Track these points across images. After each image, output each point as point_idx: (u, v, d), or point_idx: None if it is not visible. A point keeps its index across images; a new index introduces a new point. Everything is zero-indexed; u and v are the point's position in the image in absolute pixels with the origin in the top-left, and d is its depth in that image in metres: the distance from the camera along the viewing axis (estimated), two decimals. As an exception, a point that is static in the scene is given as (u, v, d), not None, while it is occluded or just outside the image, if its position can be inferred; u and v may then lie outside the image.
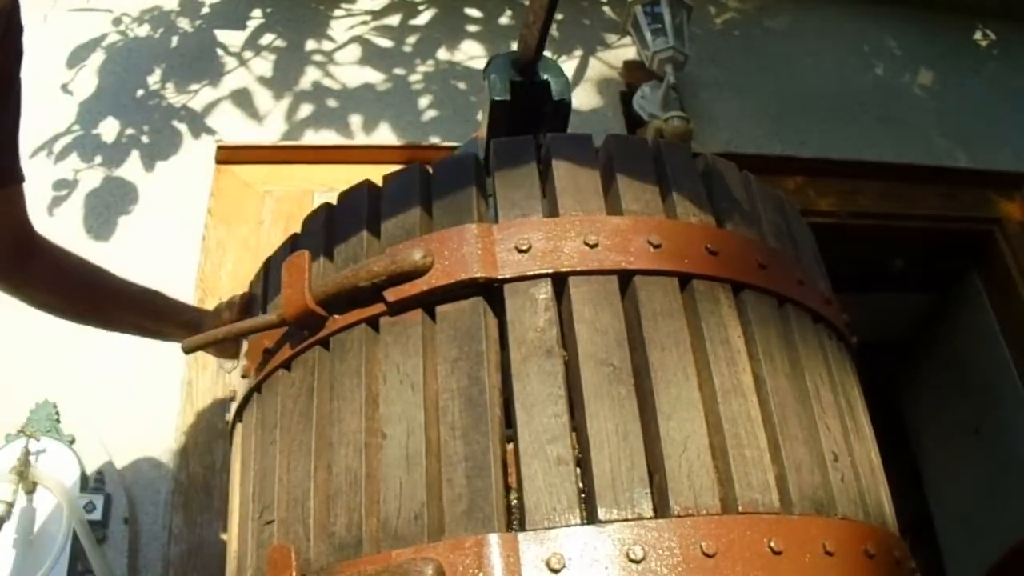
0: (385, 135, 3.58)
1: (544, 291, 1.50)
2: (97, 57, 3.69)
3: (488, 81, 2.08)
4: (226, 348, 2.06)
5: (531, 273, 1.50)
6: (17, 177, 2.00)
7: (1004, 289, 3.91)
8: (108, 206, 3.30)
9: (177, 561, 2.67)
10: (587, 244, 1.52)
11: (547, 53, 3.71)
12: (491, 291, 1.52)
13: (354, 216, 1.72)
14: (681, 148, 1.77)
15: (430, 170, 1.72)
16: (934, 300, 4.49)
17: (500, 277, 1.50)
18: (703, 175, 1.75)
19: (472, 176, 1.66)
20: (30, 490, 2.61)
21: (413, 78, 3.80)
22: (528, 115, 1.99)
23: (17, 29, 1.99)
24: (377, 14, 3.97)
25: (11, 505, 2.50)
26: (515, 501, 1.36)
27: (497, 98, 2.04)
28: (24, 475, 2.56)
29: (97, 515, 2.65)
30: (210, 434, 2.85)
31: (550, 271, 1.50)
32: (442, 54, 3.90)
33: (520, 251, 1.51)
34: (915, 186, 3.90)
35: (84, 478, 2.71)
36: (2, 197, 1.97)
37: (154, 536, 2.71)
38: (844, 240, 3.74)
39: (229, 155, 3.44)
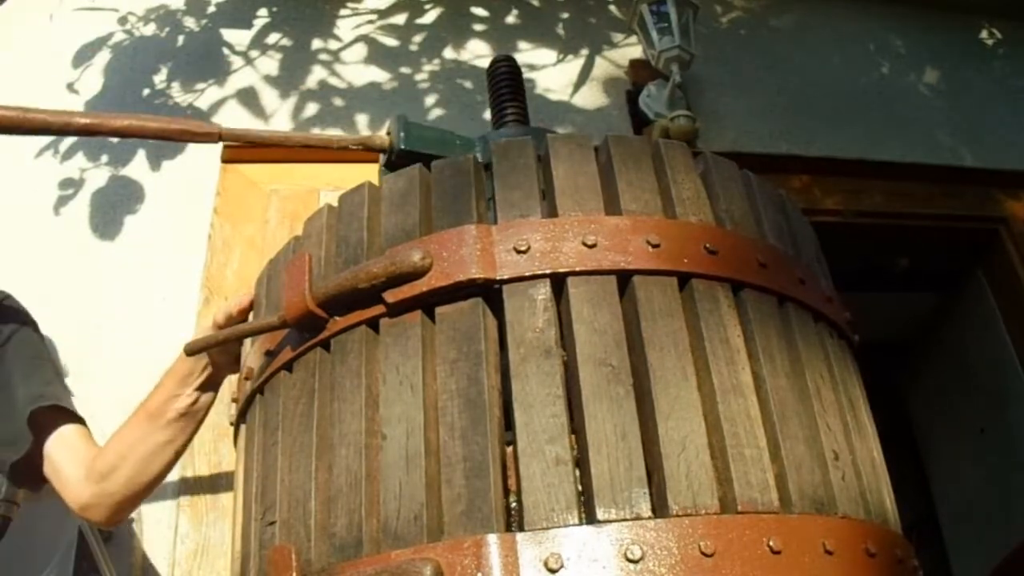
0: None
1: (543, 292, 1.50)
2: (103, 56, 3.70)
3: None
4: (229, 351, 2.07)
5: (530, 274, 1.50)
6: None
7: (1010, 288, 3.91)
8: (114, 205, 3.31)
9: (183, 560, 2.68)
10: (586, 244, 1.52)
11: (552, 52, 3.74)
12: (490, 292, 1.52)
13: (354, 218, 1.72)
14: (680, 147, 1.76)
15: (430, 171, 1.72)
16: (940, 299, 4.49)
17: (499, 278, 1.50)
18: (702, 174, 1.75)
19: (471, 177, 1.66)
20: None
21: (419, 77, 3.80)
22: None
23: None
24: (383, 13, 3.98)
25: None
26: (514, 504, 1.37)
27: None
28: (30, 474, 2.57)
29: (103, 514, 2.65)
30: (215, 433, 2.85)
31: (549, 272, 1.50)
32: (448, 53, 3.90)
33: (519, 252, 1.51)
34: (921, 185, 3.90)
35: (89, 477, 2.72)
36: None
37: (160, 536, 2.72)
38: (850, 239, 3.75)
39: (235, 154, 3.44)
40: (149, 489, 2.19)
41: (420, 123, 2.10)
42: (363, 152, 3.25)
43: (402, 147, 2.00)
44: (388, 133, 2.03)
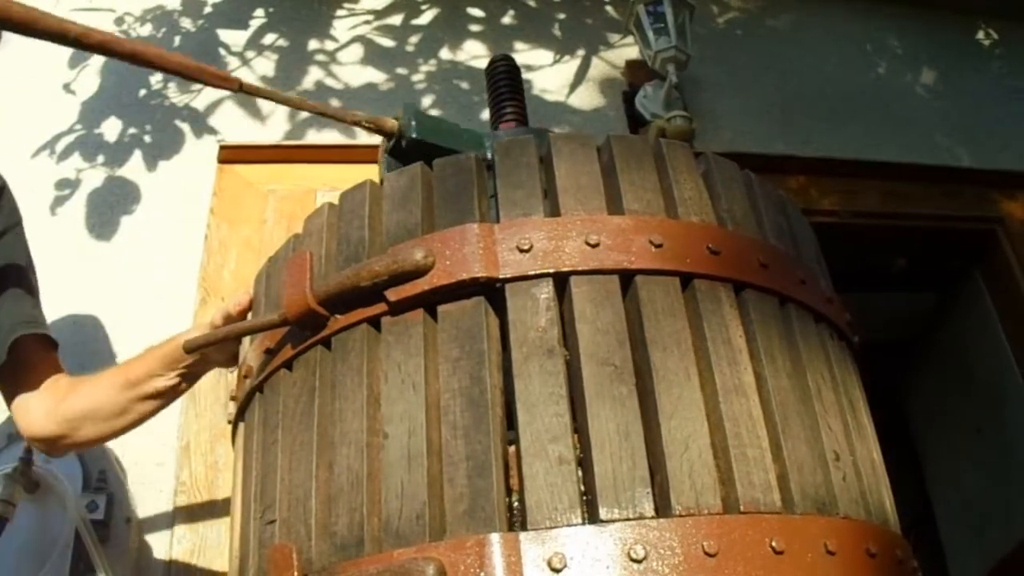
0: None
1: (546, 291, 1.50)
2: (99, 57, 3.69)
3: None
4: (226, 348, 2.06)
5: (532, 273, 1.50)
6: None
7: (1007, 288, 3.91)
8: (110, 206, 3.30)
9: (179, 561, 2.68)
10: (588, 244, 1.52)
11: (549, 53, 3.74)
12: (492, 291, 1.52)
13: (355, 216, 1.72)
14: (682, 147, 1.76)
15: (432, 169, 1.72)
16: (937, 299, 4.49)
17: (501, 277, 1.50)
18: (704, 175, 1.75)
19: (473, 175, 1.66)
20: (32, 490, 2.61)
21: (416, 78, 3.80)
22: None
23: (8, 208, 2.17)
24: (379, 14, 3.98)
25: (13, 505, 2.50)
26: (516, 503, 1.37)
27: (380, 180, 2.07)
28: (26, 474, 2.56)
29: (99, 515, 2.65)
30: (212, 433, 2.85)
31: (551, 271, 1.50)
32: (444, 54, 3.90)
33: (521, 251, 1.51)
34: (918, 185, 3.90)
35: (86, 477, 2.71)
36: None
37: (156, 536, 2.72)
38: (846, 239, 3.75)
39: (231, 154, 3.44)
40: (104, 442, 2.28)
41: (429, 115, 2.09)
42: (361, 152, 3.27)
43: (413, 135, 1.99)
44: (397, 119, 2.02)
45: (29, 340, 2.17)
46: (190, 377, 2.16)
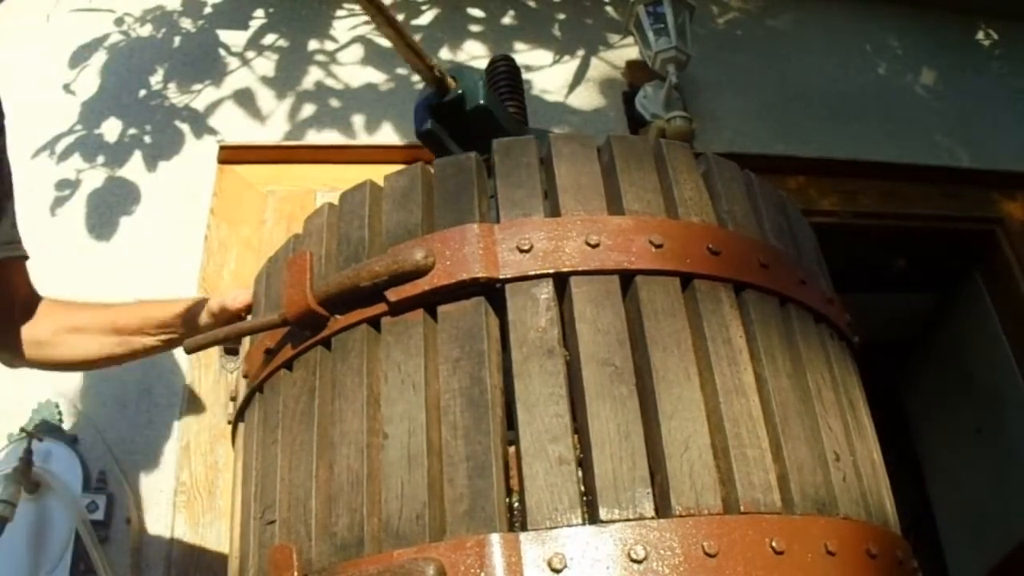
0: (387, 135, 3.59)
1: (546, 291, 1.50)
2: (99, 57, 3.70)
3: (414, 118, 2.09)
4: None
5: (533, 273, 1.50)
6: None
7: (1006, 289, 3.91)
8: (110, 206, 3.30)
9: (179, 561, 2.68)
10: (589, 244, 1.52)
11: (549, 53, 3.73)
12: (493, 291, 1.52)
13: (355, 216, 1.72)
14: (682, 148, 1.76)
15: (432, 170, 1.72)
16: (936, 300, 4.49)
17: (502, 277, 1.50)
18: (705, 175, 1.75)
19: (473, 176, 1.66)
20: (32, 490, 2.61)
21: (415, 78, 3.78)
22: (461, 131, 1.98)
23: None
24: (379, 14, 3.97)
25: (14, 505, 2.50)
26: (516, 503, 1.37)
27: (420, 129, 2.05)
28: (27, 475, 2.57)
29: (99, 515, 2.65)
30: (212, 433, 2.85)
31: (552, 271, 1.50)
32: (444, 54, 3.90)
33: (522, 251, 1.51)
34: (917, 186, 3.90)
35: (86, 478, 2.71)
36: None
37: (156, 536, 2.72)
38: (846, 240, 3.75)
39: (231, 155, 3.44)
40: (70, 370, 2.32)
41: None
42: (361, 152, 3.27)
43: (481, 102, 1.98)
44: (453, 78, 2.01)
45: (12, 263, 2.16)
46: (174, 343, 2.18)
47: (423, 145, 2.07)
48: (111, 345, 2.16)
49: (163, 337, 2.15)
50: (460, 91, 1.99)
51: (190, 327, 2.13)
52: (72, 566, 2.58)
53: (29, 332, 2.15)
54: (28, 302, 2.19)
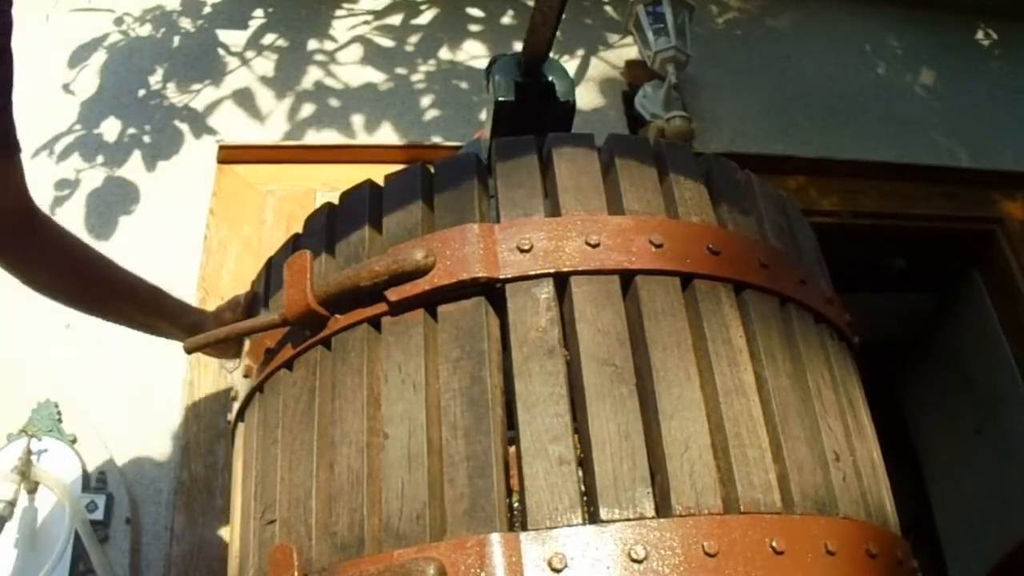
0: (387, 135, 3.58)
1: (546, 291, 1.50)
2: (99, 57, 3.70)
3: (492, 82, 2.09)
4: (227, 348, 2.06)
5: (533, 273, 1.50)
6: (10, 149, 2.04)
7: (1006, 289, 3.91)
8: (110, 206, 3.30)
9: (179, 561, 2.67)
10: (589, 244, 1.52)
11: (549, 53, 3.73)
12: (493, 291, 1.52)
13: (356, 216, 1.72)
14: (682, 148, 1.77)
15: (432, 170, 1.72)
16: (936, 300, 4.49)
17: (502, 277, 1.50)
18: (705, 175, 1.75)
19: (474, 176, 1.66)
20: (32, 490, 2.61)
21: (415, 78, 3.80)
22: (532, 116, 1.99)
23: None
24: (379, 14, 3.97)
25: (13, 505, 2.50)
26: (517, 503, 1.37)
27: (502, 98, 2.05)
28: (26, 475, 2.56)
29: (99, 515, 2.65)
30: (212, 433, 2.85)
31: (552, 271, 1.50)
32: (444, 54, 3.90)
33: (522, 251, 1.51)
34: (917, 186, 3.90)
35: (86, 478, 2.71)
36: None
37: (156, 536, 2.71)
38: (846, 240, 3.74)
39: (231, 155, 3.44)
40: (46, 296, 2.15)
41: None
42: (361, 152, 3.27)
43: (571, 100, 2.01)
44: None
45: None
46: (172, 336, 2.17)
47: (497, 110, 2.07)
48: (100, 300, 2.11)
49: (161, 328, 2.14)
50: (551, 80, 2.01)
51: (168, 327, 2.13)
52: (71, 566, 2.57)
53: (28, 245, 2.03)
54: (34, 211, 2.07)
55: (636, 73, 3.90)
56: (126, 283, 2.15)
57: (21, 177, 2.05)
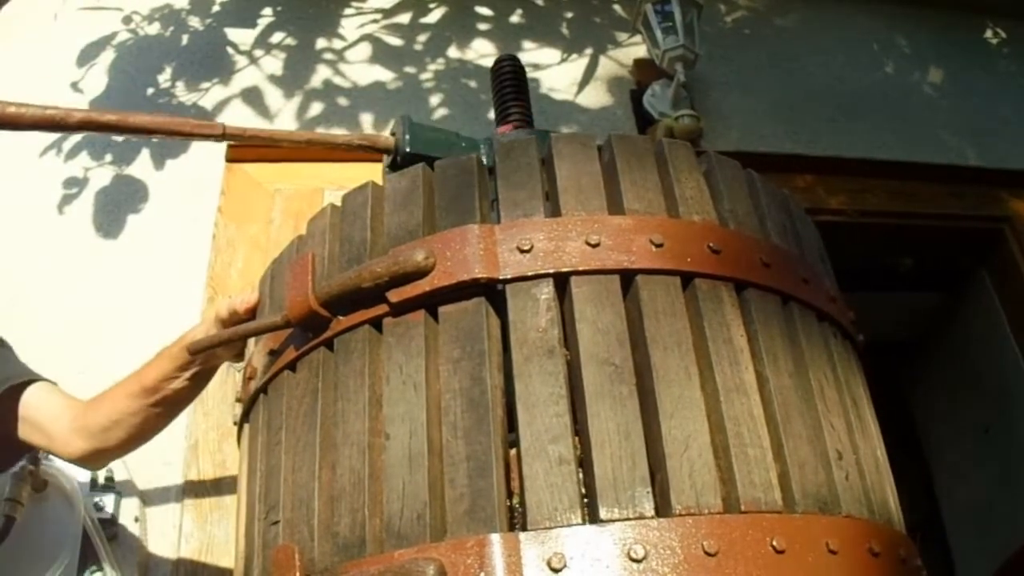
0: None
1: (546, 291, 1.50)
2: (107, 55, 3.70)
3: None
4: (233, 344, 2.06)
5: (533, 273, 1.51)
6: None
7: (1014, 287, 3.90)
8: (118, 204, 3.31)
9: (187, 560, 2.68)
10: (589, 244, 1.52)
11: (557, 52, 3.74)
12: (493, 291, 1.52)
13: (357, 217, 1.72)
14: (684, 146, 1.77)
15: (433, 170, 1.72)
16: (944, 298, 4.48)
17: (502, 277, 1.51)
18: (706, 174, 1.75)
19: (475, 177, 1.67)
20: (40, 488, 2.61)
21: (424, 76, 3.80)
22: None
23: None
24: (387, 12, 3.98)
25: (22, 504, 2.50)
26: (517, 503, 1.37)
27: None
28: (34, 473, 2.57)
29: (107, 513, 2.65)
30: (220, 432, 2.85)
31: (552, 271, 1.51)
32: (452, 52, 3.90)
33: (522, 251, 1.51)
34: (925, 184, 3.89)
35: (94, 477, 2.71)
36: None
37: (164, 534, 2.72)
38: (854, 238, 3.74)
39: (239, 153, 3.44)
40: (145, 441, 2.25)
41: (424, 124, 2.09)
42: (368, 151, 3.27)
43: (407, 150, 1.99)
44: (393, 134, 2.03)
45: (16, 390, 2.19)
46: (202, 375, 2.16)
47: None
48: (146, 407, 2.15)
49: (187, 373, 2.14)
50: (396, 145, 2.02)
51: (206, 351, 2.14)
52: (80, 565, 2.58)
53: (83, 431, 2.16)
54: (72, 407, 2.21)
55: (645, 72, 3.90)
56: (154, 374, 2.17)
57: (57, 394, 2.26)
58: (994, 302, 4.06)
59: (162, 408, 2.16)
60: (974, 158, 4.06)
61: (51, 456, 2.53)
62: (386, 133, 2.05)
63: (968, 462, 4.49)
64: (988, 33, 4.66)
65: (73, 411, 2.19)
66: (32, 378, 2.22)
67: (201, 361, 2.11)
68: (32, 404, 2.20)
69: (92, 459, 2.24)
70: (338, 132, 3.56)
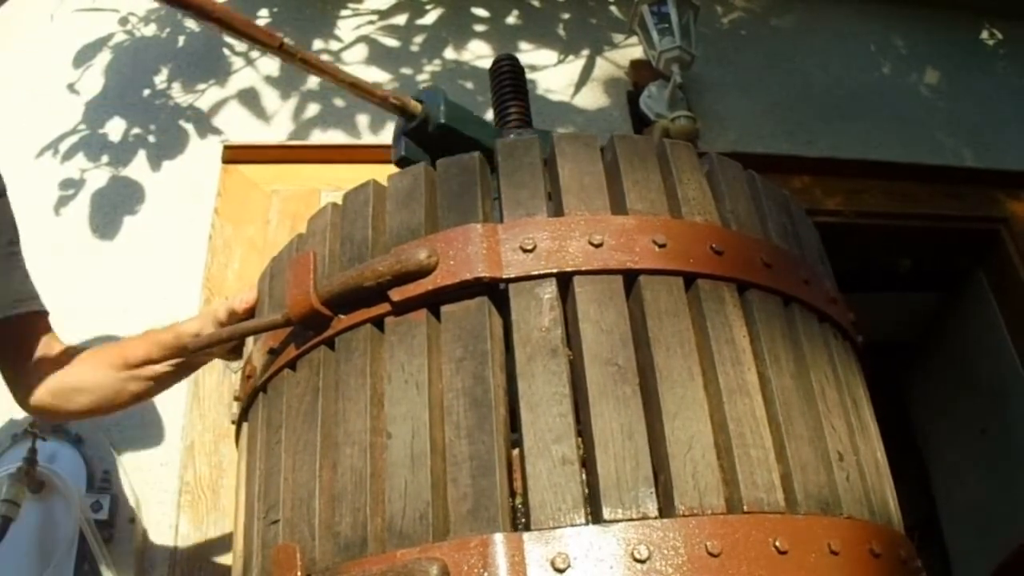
0: (392, 134, 3.58)
1: (549, 291, 1.50)
2: (104, 57, 3.70)
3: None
4: (230, 347, 2.06)
5: (536, 273, 1.50)
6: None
7: (1011, 288, 3.91)
8: (115, 206, 3.30)
9: (183, 561, 2.68)
10: (592, 243, 1.52)
11: (553, 53, 3.73)
12: (496, 291, 1.52)
13: (359, 216, 1.72)
14: (686, 147, 1.77)
15: (435, 169, 1.72)
16: (941, 299, 4.48)
17: (505, 277, 1.51)
18: (708, 174, 1.75)
19: (477, 176, 1.66)
20: (37, 490, 2.61)
21: (420, 78, 3.80)
22: (435, 150, 1.97)
23: None
24: (384, 14, 3.98)
25: (18, 505, 2.50)
26: (520, 503, 1.37)
27: (394, 159, 2.05)
28: (31, 474, 2.57)
29: (103, 515, 2.65)
30: (216, 433, 2.85)
31: (555, 271, 1.50)
32: (449, 53, 3.90)
33: (525, 251, 1.51)
34: (922, 185, 3.90)
35: (91, 478, 2.71)
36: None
37: (161, 536, 2.72)
38: (851, 239, 3.74)
39: (236, 154, 3.44)
40: (102, 414, 2.23)
41: (455, 102, 2.07)
42: (366, 152, 3.27)
43: (442, 120, 1.98)
44: (420, 102, 2.01)
45: (21, 319, 2.15)
46: (188, 367, 2.16)
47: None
48: (122, 383, 2.14)
49: (174, 362, 2.13)
50: (424, 114, 2.00)
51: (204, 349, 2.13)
52: (76, 566, 2.57)
53: (51, 384, 2.13)
54: (50, 355, 2.17)
55: (641, 73, 3.90)
56: (139, 354, 2.15)
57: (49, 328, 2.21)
58: (991, 302, 4.06)
59: (138, 388, 2.14)
60: (971, 159, 4.07)
61: (49, 457, 2.54)
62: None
63: (965, 462, 4.49)
64: (985, 34, 4.66)
65: (48, 362, 2.15)
66: (35, 309, 2.18)
67: (191, 355, 2.10)
68: (19, 341, 2.15)
69: (47, 414, 2.20)
70: (334, 132, 3.57)
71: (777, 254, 1.70)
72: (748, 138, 3.84)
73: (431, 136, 1.97)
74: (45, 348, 2.17)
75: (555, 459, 1.35)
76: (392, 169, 1.85)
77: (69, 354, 2.18)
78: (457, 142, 1.85)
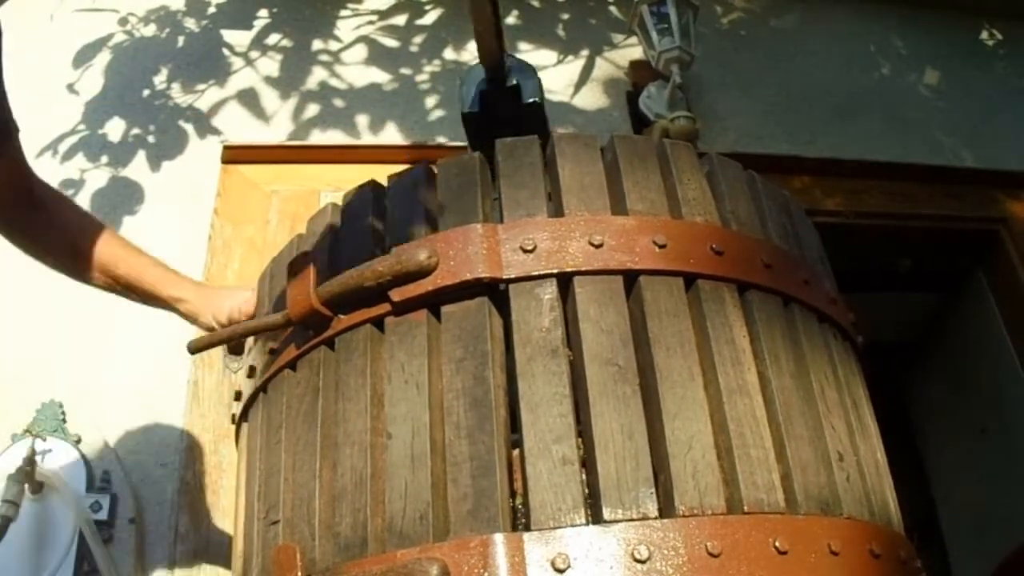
0: (391, 135, 3.58)
1: (549, 291, 1.50)
2: (103, 57, 3.70)
3: (459, 94, 2.09)
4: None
5: (536, 273, 1.50)
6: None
7: (1010, 288, 3.91)
8: (114, 206, 3.30)
9: (183, 561, 2.67)
10: (592, 244, 1.52)
11: (553, 53, 3.73)
12: (496, 291, 1.52)
13: (359, 216, 1.72)
14: (686, 148, 1.77)
15: (435, 170, 1.72)
16: (940, 299, 4.48)
17: (505, 277, 1.51)
18: (708, 175, 1.75)
19: (477, 176, 1.66)
20: (36, 490, 2.61)
21: (419, 78, 3.80)
22: (505, 120, 1.98)
23: None
24: (383, 14, 3.97)
25: (17, 505, 2.50)
26: (520, 504, 1.37)
27: (466, 111, 2.05)
28: (30, 475, 2.57)
29: (103, 515, 2.65)
30: (216, 433, 2.85)
31: (555, 271, 1.50)
32: (448, 54, 3.90)
33: (525, 251, 1.51)
34: (921, 186, 3.89)
35: (90, 478, 2.71)
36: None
37: (160, 536, 2.71)
38: (851, 240, 3.74)
39: (235, 155, 3.44)
40: (49, 263, 2.20)
41: None
42: (365, 152, 3.27)
43: (536, 99, 1.99)
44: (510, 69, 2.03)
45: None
46: (168, 310, 2.18)
47: (465, 123, 2.07)
48: (97, 271, 2.11)
49: (147, 302, 2.13)
50: (516, 83, 2.00)
51: (158, 297, 2.12)
52: (76, 566, 2.57)
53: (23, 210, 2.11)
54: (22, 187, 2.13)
55: (640, 73, 3.90)
56: (111, 253, 2.13)
57: (17, 156, 2.11)
58: (990, 303, 4.06)
59: (98, 279, 2.14)
60: (970, 159, 4.07)
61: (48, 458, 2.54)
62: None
63: (965, 463, 4.49)
64: (984, 35, 4.66)
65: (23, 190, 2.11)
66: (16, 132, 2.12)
67: (177, 308, 2.11)
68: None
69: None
70: (333, 133, 3.57)
71: (777, 254, 1.70)
72: (747, 138, 3.84)
73: (513, 106, 1.97)
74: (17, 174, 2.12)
75: (555, 459, 1.35)
76: (392, 169, 1.84)
77: (61, 201, 2.19)
78: (534, 122, 1.85)
